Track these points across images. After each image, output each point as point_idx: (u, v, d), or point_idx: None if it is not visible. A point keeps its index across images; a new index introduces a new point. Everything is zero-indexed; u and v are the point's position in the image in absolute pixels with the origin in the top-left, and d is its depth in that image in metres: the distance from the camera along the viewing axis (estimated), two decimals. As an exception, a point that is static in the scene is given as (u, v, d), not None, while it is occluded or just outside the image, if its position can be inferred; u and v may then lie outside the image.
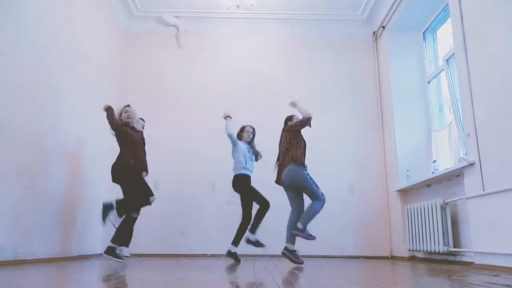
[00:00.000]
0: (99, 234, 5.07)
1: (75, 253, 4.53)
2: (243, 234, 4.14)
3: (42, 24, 3.95)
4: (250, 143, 4.50)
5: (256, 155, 4.46)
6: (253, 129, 4.53)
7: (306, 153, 4.04)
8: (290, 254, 3.82)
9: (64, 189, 4.33)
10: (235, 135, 4.34)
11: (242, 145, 4.35)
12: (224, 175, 4.98)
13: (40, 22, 3.91)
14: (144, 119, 4.67)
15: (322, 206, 3.88)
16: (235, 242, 4.15)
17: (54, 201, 4.10)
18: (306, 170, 3.98)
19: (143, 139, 4.49)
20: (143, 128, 4.56)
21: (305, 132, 4.10)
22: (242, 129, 4.51)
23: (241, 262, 4.07)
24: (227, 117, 4.35)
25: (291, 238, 3.89)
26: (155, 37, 6.20)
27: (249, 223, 4.14)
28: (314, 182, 3.93)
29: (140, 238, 4.77)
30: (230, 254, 4.15)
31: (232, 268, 3.29)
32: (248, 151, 4.35)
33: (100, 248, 5.30)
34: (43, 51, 3.95)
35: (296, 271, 3.06)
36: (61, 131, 4.28)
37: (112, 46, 5.80)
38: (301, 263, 3.73)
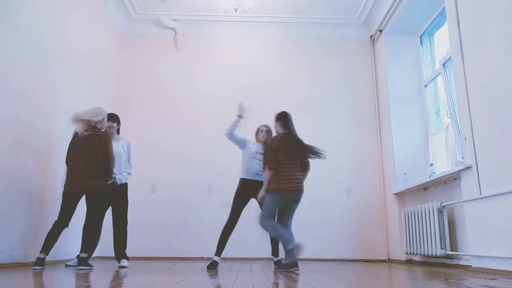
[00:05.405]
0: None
1: (72, 256, 4.50)
2: (224, 240, 3.88)
3: (40, 26, 3.94)
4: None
5: None
6: (267, 127, 4.17)
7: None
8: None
9: (60, 192, 4.30)
10: (236, 136, 4.08)
11: (250, 147, 4.11)
12: (220, 178, 4.97)
13: (37, 24, 3.90)
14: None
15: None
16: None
17: (50, 204, 4.07)
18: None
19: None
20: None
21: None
22: (256, 131, 4.25)
23: (239, 265, 4.04)
24: (239, 116, 4.05)
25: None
26: (153, 39, 6.20)
27: (230, 227, 3.87)
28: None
29: (137, 241, 4.74)
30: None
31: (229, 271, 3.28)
32: (259, 153, 4.01)
33: (97, 251, 5.26)
34: (40, 53, 3.94)
35: (293, 275, 3.06)
36: (58, 134, 4.26)
37: (109, 48, 5.80)
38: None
